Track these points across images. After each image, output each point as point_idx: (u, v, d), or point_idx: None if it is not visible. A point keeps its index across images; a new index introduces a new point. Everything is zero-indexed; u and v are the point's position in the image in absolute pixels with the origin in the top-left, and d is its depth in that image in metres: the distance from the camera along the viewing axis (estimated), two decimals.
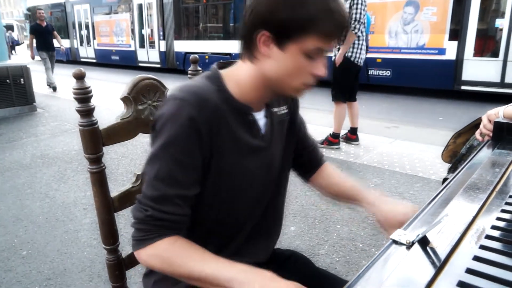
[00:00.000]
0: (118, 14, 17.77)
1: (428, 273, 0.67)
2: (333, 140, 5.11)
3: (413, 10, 9.11)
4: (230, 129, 0.96)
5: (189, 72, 1.51)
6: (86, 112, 1.11)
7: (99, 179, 1.16)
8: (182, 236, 0.93)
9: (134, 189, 1.23)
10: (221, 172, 0.98)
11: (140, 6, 16.29)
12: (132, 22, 16.87)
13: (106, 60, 18.94)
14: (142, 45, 16.73)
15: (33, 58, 10.95)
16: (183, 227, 0.95)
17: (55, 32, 10.77)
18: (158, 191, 0.89)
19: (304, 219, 3.20)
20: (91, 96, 1.12)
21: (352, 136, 5.29)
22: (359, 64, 4.88)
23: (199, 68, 1.51)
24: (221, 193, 1.01)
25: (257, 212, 1.13)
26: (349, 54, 4.76)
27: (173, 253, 0.89)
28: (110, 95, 8.57)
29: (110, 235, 1.20)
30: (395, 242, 0.79)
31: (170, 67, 15.47)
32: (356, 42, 4.73)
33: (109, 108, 6.85)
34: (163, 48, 15.63)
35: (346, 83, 4.91)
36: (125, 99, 1.20)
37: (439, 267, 0.69)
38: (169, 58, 15.48)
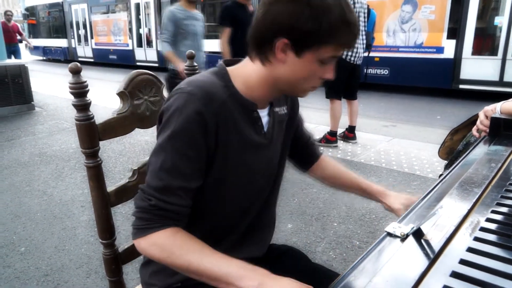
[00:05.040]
0: (116, 13, 17.74)
1: (421, 264, 0.68)
2: (330, 138, 5.11)
3: (411, 8, 9.10)
4: (235, 124, 0.98)
5: (185, 67, 1.51)
6: (83, 106, 1.11)
7: (96, 174, 1.16)
8: (182, 229, 0.94)
9: (131, 184, 1.23)
10: (224, 166, 0.99)
11: (137, 5, 16.24)
12: (130, 22, 16.81)
13: (104, 59, 18.88)
14: (139, 45, 16.67)
15: None
16: (184, 218, 0.96)
17: None
18: (162, 182, 0.91)
19: (301, 216, 3.20)
20: (87, 90, 1.12)
21: (350, 134, 5.28)
22: (351, 62, 4.84)
23: (195, 64, 1.51)
24: (222, 187, 1.02)
25: (254, 207, 1.14)
26: None
27: (174, 244, 0.90)
28: (107, 94, 8.58)
29: (106, 229, 1.20)
30: (389, 234, 0.79)
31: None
32: None
33: (106, 106, 6.84)
34: (161, 47, 15.57)
35: (338, 80, 4.87)
36: (121, 94, 1.20)
37: (433, 258, 0.69)
38: None
